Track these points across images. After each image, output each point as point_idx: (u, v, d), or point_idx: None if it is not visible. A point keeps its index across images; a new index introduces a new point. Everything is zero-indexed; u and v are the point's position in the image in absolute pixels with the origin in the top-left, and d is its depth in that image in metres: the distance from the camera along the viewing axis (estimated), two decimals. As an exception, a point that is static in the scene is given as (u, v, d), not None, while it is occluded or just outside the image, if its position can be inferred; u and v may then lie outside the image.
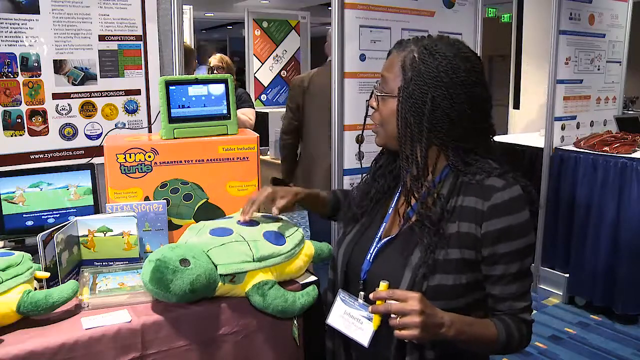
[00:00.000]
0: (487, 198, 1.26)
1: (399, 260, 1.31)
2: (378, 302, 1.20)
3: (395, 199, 1.44)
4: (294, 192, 1.65)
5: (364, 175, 1.59)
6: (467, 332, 1.24)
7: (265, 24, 6.44)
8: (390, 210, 1.43)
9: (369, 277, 1.37)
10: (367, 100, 1.47)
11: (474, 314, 1.29)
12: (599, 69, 4.40)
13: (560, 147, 4.13)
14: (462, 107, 1.28)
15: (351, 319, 1.36)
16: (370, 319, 1.31)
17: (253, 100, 6.06)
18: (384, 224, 1.42)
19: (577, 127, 4.30)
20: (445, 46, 1.31)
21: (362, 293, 1.37)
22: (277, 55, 6.54)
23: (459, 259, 1.27)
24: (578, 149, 4.04)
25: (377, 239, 1.40)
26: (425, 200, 1.31)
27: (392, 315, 1.17)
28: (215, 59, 4.65)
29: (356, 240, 1.45)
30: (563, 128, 4.19)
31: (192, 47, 5.93)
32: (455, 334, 1.21)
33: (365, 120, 1.52)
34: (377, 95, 1.37)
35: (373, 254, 1.38)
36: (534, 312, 3.78)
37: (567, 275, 4.09)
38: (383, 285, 1.21)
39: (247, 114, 4.26)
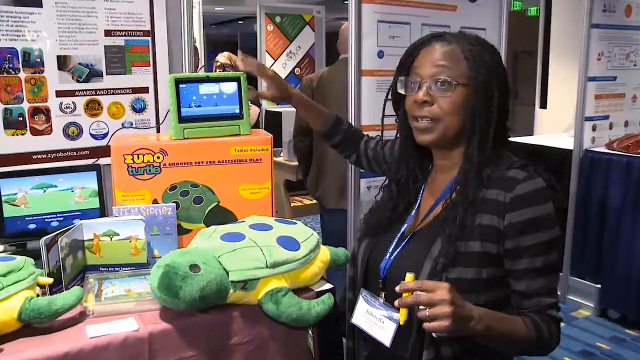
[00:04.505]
0: (510, 190, 1.29)
1: (419, 253, 1.34)
2: (405, 295, 1.20)
3: (419, 199, 1.47)
4: (287, 90, 1.91)
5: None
6: (497, 328, 1.25)
7: (278, 19, 6.46)
8: (414, 212, 1.46)
9: (388, 275, 1.40)
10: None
11: None
12: (635, 65, 4.34)
13: (591, 149, 4.09)
14: (504, 97, 1.35)
15: (373, 319, 1.39)
16: (391, 319, 1.34)
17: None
18: (406, 224, 1.44)
19: (610, 128, 4.26)
20: (482, 39, 1.39)
21: (382, 293, 1.40)
22: (290, 52, 6.55)
23: (480, 252, 1.29)
24: (611, 151, 4.00)
25: (397, 238, 1.43)
26: (463, 191, 1.34)
27: (421, 307, 1.18)
28: (223, 57, 4.66)
29: (377, 240, 1.48)
30: (594, 129, 4.15)
31: (201, 42, 5.96)
32: (484, 329, 1.22)
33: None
34: (453, 84, 1.33)
35: (394, 253, 1.41)
36: (563, 324, 3.76)
37: (599, 285, 4.05)
38: (409, 276, 1.21)
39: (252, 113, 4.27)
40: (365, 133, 1.99)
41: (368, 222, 1.55)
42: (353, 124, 2.75)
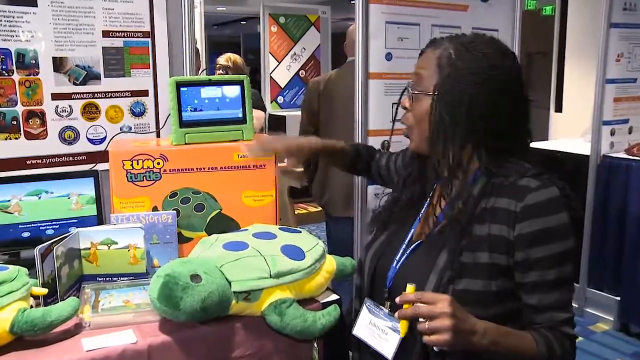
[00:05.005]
0: (521, 199, 1.29)
1: (425, 265, 1.34)
2: (405, 306, 1.21)
3: (426, 204, 1.48)
4: (309, 146, 1.81)
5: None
6: (503, 343, 1.24)
7: (282, 20, 6.48)
8: (420, 215, 1.47)
9: (394, 284, 1.40)
10: (394, 103, 1.51)
11: None
12: (657, 66, 4.30)
13: (609, 155, 4.08)
14: (500, 106, 1.33)
15: (376, 330, 1.39)
16: (395, 330, 1.34)
17: (268, 101, 6.09)
18: (413, 229, 1.45)
19: (630, 132, 4.24)
20: (482, 43, 1.37)
21: (387, 302, 1.40)
22: (295, 54, 6.56)
23: (488, 263, 1.29)
24: (630, 157, 3.99)
25: (404, 244, 1.43)
26: (455, 202, 1.35)
27: (420, 320, 1.18)
28: (223, 59, 4.68)
29: (385, 246, 1.49)
30: (612, 133, 4.14)
31: (202, 43, 5.97)
32: (489, 344, 1.22)
33: (393, 125, 1.58)
34: (412, 94, 1.41)
35: (400, 261, 1.41)
36: (581, 339, 3.74)
37: (618, 298, 4.03)
38: (410, 287, 1.23)
39: (257, 117, 4.28)
40: (376, 149, 1.98)
41: (373, 216, 1.59)
42: (360, 128, 2.76)
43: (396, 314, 1.24)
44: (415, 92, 1.40)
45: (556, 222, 1.28)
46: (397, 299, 1.22)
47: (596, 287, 4.17)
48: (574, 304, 1.37)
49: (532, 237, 1.27)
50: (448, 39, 1.40)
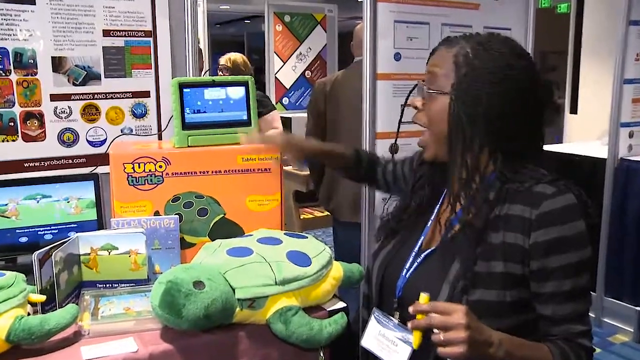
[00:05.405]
0: (536, 206, 1.28)
1: (436, 274, 1.34)
2: (418, 317, 1.20)
3: (436, 209, 1.48)
4: (307, 146, 1.88)
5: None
6: (518, 355, 1.24)
7: (287, 18, 6.49)
8: (430, 222, 1.47)
9: (404, 294, 1.39)
10: (401, 105, 1.51)
11: None
12: (680, 66, 4.28)
13: (627, 158, 4.06)
14: (517, 106, 1.33)
15: (386, 341, 1.39)
16: (405, 342, 1.33)
17: (273, 103, 6.10)
18: (423, 236, 1.45)
19: (649, 134, 4.23)
20: (498, 42, 1.37)
21: (397, 313, 1.39)
22: (300, 54, 6.57)
23: (503, 272, 1.29)
24: (649, 160, 3.98)
25: (414, 252, 1.43)
26: (469, 208, 1.35)
27: (435, 331, 1.18)
28: (223, 59, 4.71)
29: (393, 254, 1.49)
30: (631, 135, 4.12)
31: (205, 43, 5.99)
32: (504, 355, 1.21)
33: (398, 127, 1.56)
34: (426, 92, 1.41)
35: (410, 269, 1.41)
36: (599, 350, 3.72)
37: (638, 308, 4.00)
38: (424, 297, 1.22)
39: (275, 118, 4.29)
40: (379, 156, 1.97)
41: (381, 224, 1.59)
42: (368, 131, 2.76)
43: (409, 325, 1.23)
44: (430, 90, 1.39)
45: (573, 230, 1.28)
46: (411, 309, 1.21)
47: (614, 296, 4.14)
48: (591, 314, 1.37)
49: (548, 246, 1.27)
50: (463, 37, 1.40)
